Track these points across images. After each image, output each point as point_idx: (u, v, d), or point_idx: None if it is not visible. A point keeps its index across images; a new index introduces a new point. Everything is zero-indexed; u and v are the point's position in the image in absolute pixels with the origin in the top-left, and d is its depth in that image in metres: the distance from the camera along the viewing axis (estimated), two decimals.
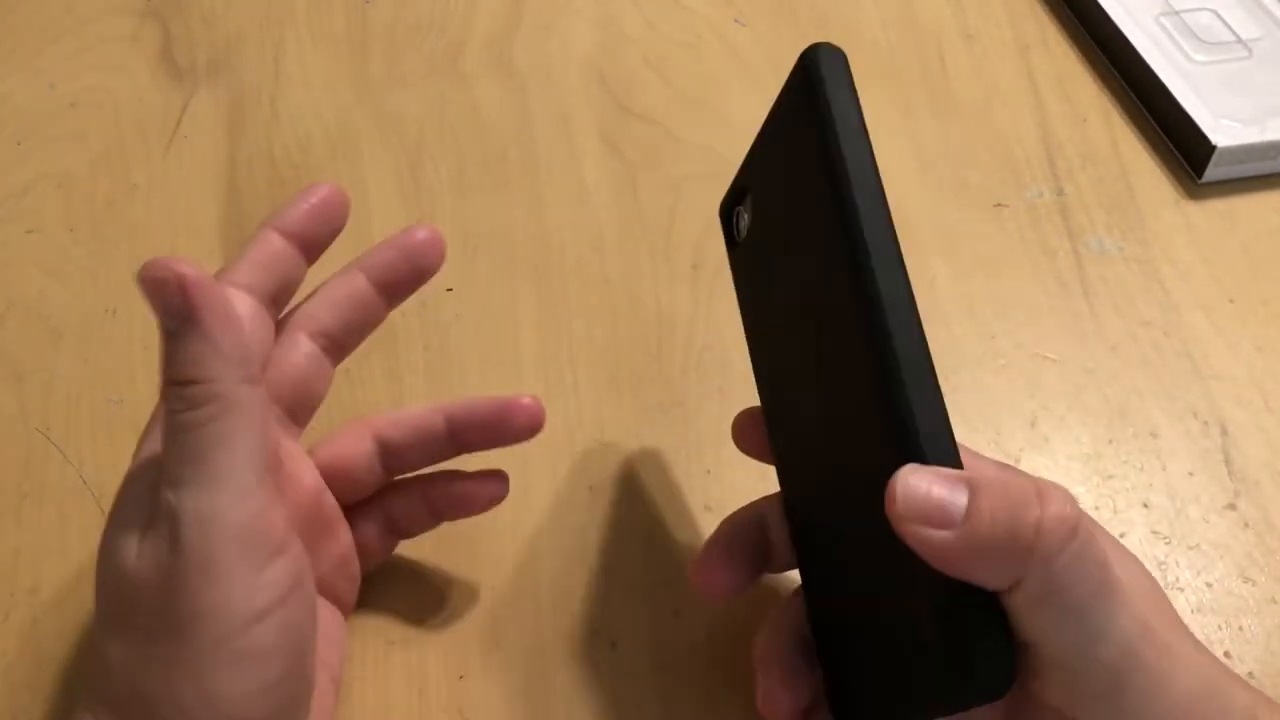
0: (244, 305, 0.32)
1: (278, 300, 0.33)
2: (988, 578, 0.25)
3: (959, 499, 0.25)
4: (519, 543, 0.39)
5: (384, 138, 0.53)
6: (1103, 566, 0.26)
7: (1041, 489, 0.25)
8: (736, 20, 0.59)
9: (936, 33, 0.58)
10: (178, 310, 0.27)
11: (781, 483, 0.34)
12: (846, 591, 0.30)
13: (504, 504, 0.36)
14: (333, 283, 0.35)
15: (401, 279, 0.35)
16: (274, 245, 0.33)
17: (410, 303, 0.46)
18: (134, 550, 0.27)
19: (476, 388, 0.43)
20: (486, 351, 0.45)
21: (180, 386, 0.27)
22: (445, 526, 0.37)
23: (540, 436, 0.35)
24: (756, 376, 0.35)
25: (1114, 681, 0.26)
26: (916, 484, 0.25)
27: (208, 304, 0.27)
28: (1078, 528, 0.25)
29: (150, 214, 0.50)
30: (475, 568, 0.38)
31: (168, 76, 0.56)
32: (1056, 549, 0.25)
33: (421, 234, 0.35)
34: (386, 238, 0.35)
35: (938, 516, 0.25)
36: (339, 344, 0.35)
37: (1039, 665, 0.26)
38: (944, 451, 0.26)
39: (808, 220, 0.30)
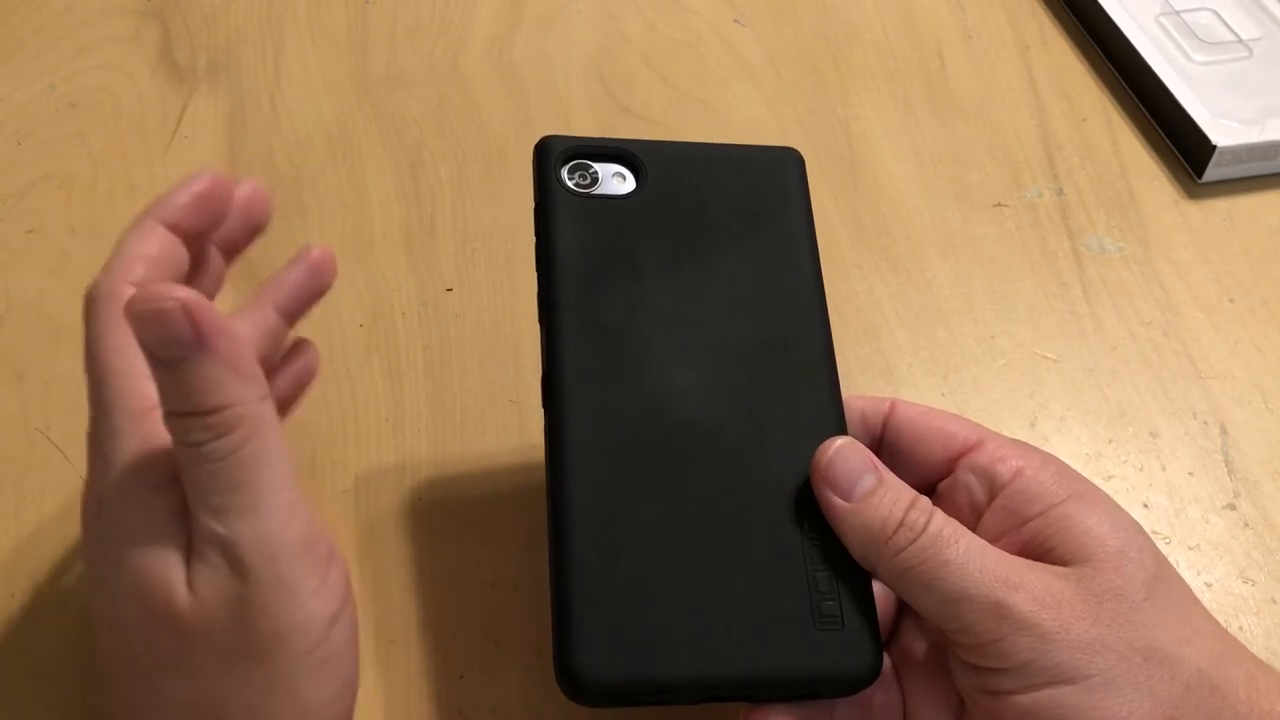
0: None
1: None
2: (856, 550, 0.30)
3: (868, 481, 0.30)
4: (519, 541, 0.39)
5: (384, 138, 0.53)
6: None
7: (915, 500, 0.29)
8: (736, 20, 0.59)
9: (936, 33, 0.58)
10: (186, 339, 0.26)
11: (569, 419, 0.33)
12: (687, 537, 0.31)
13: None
14: (248, 318, 0.35)
15: (304, 300, 0.36)
16: (169, 244, 0.31)
17: (410, 303, 0.47)
18: (180, 589, 0.27)
19: (476, 388, 0.43)
20: (486, 351, 0.45)
21: (201, 416, 0.27)
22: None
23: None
24: (557, 311, 0.33)
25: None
26: (849, 453, 0.30)
27: (217, 329, 0.27)
28: (924, 530, 0.29)
29: None
30: (475, 566, 0.38)
31: (168, 76, 0.56)
32: (897, 547, 0.29)
33: (317, 253, 0.36)
34: (287, 263, 0.36)
35: (845, 486, 0.30)
36: None
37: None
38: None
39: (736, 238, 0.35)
